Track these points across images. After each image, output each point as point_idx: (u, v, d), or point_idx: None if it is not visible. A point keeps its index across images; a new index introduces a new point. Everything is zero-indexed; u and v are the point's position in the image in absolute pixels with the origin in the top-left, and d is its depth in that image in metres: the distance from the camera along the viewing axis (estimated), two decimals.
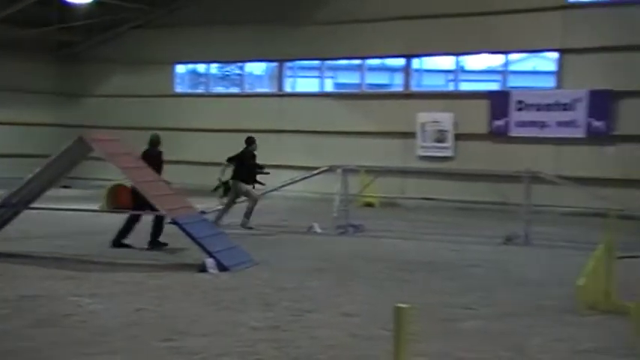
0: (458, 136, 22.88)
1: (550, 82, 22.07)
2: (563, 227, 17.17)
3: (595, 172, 20.41)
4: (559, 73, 21.74)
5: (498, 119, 22.17)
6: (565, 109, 21.18)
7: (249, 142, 16.57)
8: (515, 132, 21.93)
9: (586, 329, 8.00)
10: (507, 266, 12.16)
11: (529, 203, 15.22)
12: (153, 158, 13.17)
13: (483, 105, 22.50)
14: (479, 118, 22.47)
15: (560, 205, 20.20)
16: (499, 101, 22.17)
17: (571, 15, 21.34)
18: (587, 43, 20.88)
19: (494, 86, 23.28)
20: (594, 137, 20.88)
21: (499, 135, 22.14)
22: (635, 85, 20.18)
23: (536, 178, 15.59)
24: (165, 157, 13.80)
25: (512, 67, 23.98)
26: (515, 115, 21.94)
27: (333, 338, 7.36)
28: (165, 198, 11.78)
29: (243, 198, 16.33)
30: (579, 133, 21.01)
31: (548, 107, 21.44)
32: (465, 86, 24.12)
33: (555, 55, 21.92)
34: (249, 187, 16.23)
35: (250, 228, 15.78)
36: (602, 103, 20.66)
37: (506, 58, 22.92)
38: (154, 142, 13.70)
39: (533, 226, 14.97)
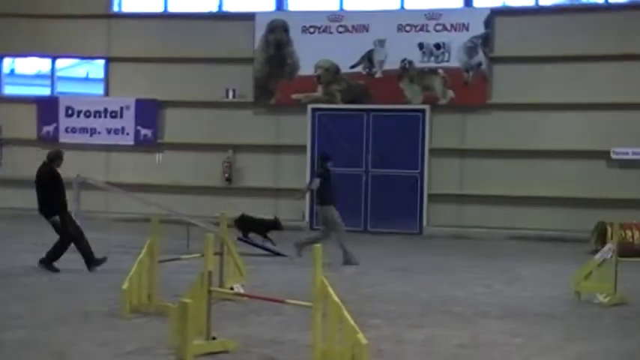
0: (4, 142, 22.03)
1: (101, 90, 22.23)
2: (114, 233, 17.42)
3: (145, 179, 21.06)
4: (107, 81, 22.02)
5: (48, 125, 21.81)
6: (114, 117, 21.55)
7: (327, 158, 14.75)
8: (65, 138, 21.71)
9: (130, 332, 8.28)
10: (58, 274, 12.04)
11: (79, 209, 15.19)
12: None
13: (32, 110, 21.95)
14: (27, 124, 21.87)
15: (110, 212, 20.54)
16: (48, 107, 21.83)
17: (116, 24, 21.75)
18: (134, 52, 21.45)
19: (45, 91, 22.75)
20: (143, 145, 21.54)
21: (48, 141, 21.72)
22: (179, 94, 21.20)
23: (86, 185, 15.62)
24: None
25: (65, 73, 23.69)
26: (65, 122, 21.77)
27: None
28: None
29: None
30: (128, 140, 21.54)
31: (98, 114, 21.64)
32: (14, 90, 23.32)
33: (102, 62, 22.14)
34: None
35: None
36: (148, 111, 21.40)
37: (54, 63, 22.53)
38: (51, 158, 12.54)
39: (84, 233, 14.96)
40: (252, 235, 15.82)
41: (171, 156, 21.53)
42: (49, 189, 12.52)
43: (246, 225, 15.83)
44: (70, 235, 12.51)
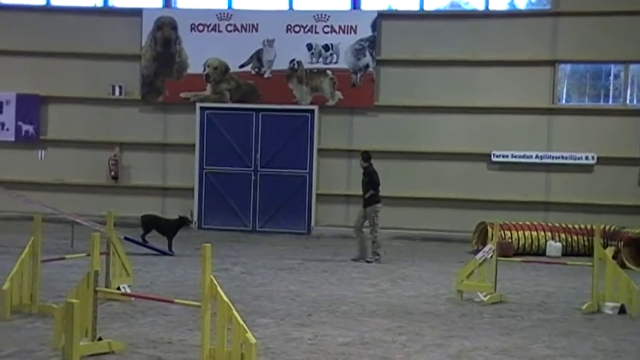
0: None
1: None
2: None
3: (27, 176, 20.50)
4: None
5: None
6: None
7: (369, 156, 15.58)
8: None
9: (10, 334, 8.02)
10: None
11: None
12: None
13: None
14: None
15: None
16: None
17: None
18: (15, 46, 20.72)
19: None
20: (24, 141, 20.91)
21: None
22: (63, 90, 20.67)
23: None
24: None
25: None
26: None
27: None
28: None
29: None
30: (9, 136, 20.87)
31: None
32: None
33: None
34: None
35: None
36: (30, 107, 20.78)
37: None
38: None
39: None
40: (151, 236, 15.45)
41: (55, 153, 20.96)
42: None
43: (151, 225, 15.44)
44: None
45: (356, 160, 19.95)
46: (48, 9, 21.13)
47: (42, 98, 20.84)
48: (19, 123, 20.80)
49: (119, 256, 10.03)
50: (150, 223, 15.50)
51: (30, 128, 20.85)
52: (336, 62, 19.89)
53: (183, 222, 15.49)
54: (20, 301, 8.92)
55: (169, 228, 15.38)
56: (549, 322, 9.60)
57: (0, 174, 20.08)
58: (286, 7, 20.43)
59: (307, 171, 20.03)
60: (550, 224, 17.66)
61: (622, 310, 10.20)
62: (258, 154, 20.13)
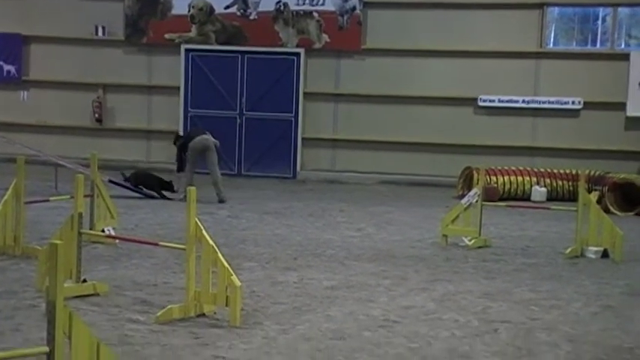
0: None
1: None
2: None
3: (8, 117, 20.33)
4: None
5: None
6: None
7: None
8: None
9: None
10: None
11: None
12: None
13: None
14: None
15: None
16: None
17: None
18: None
19: None
20: (6, 81, 20.67)
21: None
22: (45, 30, 20.37)
23: None
24: None
25: None
26: None
27: None
28: None
29: None
30: None
31: None
32: None
33: None
34: None
35: None
36: (12, 46, 20.46)
37: None
38: None
39: None
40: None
41: (37, 94, 20.74)
42: None
43: (139, 180, 15.17)
44: None
45: (343, 105, 19.94)
46: None
47: (24, 38, 20.53)
48: (1, 63, 20.52)
49: (103, 199, 9.97)
50: (137, 178, 15.10)
51: (12, 68, 20.57)
52: (322, 4, 19.63)
53: (168, 185, 15.12)
54: (4, 242, 8.89)
55: (154, 184, 15.07)
56: (533, 267, 9.66)
57: None
58: None
59: (293, 115, 19.91)
60: (535, 169, 17.69)
61: (605, 255, 10.28)
62: (244, 97, 19.98)
